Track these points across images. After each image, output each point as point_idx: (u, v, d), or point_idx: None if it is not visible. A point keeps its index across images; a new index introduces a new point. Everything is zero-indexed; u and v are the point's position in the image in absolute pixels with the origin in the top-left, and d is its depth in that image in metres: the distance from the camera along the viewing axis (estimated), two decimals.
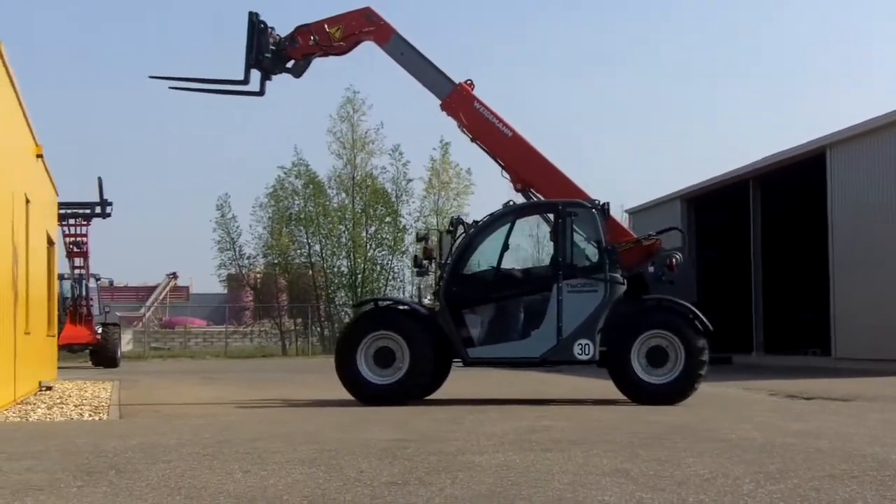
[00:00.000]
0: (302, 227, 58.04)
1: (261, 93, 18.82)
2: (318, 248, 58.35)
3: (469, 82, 18.07)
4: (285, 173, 57.92)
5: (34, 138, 19.10)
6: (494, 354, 16.74)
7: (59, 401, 17.59)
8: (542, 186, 17.71)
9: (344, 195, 57.91)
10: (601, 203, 16.87)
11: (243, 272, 61.23)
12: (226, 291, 66.69)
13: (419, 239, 18.99)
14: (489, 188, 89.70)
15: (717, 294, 38.35)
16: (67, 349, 36.66)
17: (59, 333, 31.12)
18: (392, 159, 57.92)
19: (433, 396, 16.93)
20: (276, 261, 60.12)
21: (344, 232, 58.08)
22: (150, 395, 19.67)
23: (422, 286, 18.37)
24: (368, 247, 57.94)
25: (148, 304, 69.12)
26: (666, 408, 15.07)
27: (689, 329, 16.10)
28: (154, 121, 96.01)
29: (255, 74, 18.66)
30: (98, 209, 36.23)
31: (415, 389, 16.35)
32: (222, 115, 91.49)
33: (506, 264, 16.79)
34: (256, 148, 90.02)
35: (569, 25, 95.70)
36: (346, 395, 16.31)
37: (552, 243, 16.87)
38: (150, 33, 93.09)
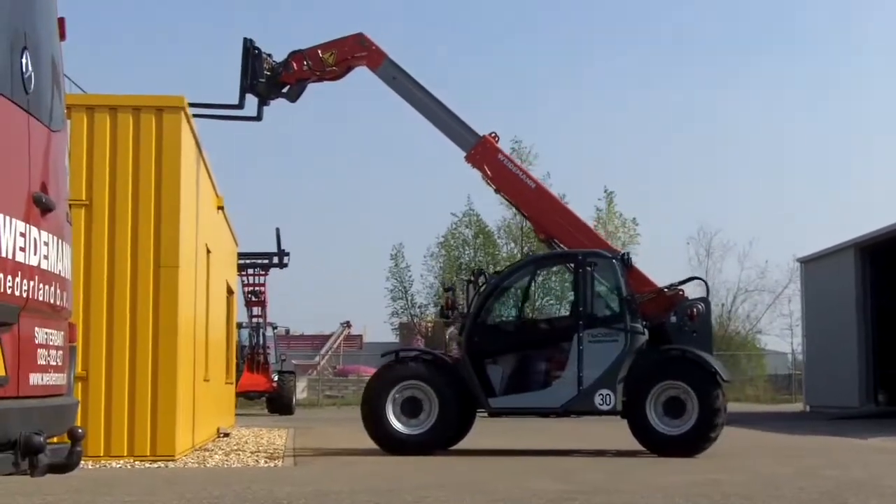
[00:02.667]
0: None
1: (258, 118, 19.17)
2: None
3: (494, 135, 18.19)
4: (456, 223, 58.41)
5: (215, 190, 19.73)
6: (516, 404, 16.76)
7: (236, 447, 18.01)
8: (565, 237, 17.80)
9: (513, 244, 58.09)
10: (622, 253, 17.01)
11: (415, 321, 61.77)
12: (398, 340, 67.31)
13: (445, 289, 19.17)
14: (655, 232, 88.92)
15: (895, 346, 37.39)
16: (245, 396, 37.42)
17: (237, 381, 31.86)
18: None
19: (465, 445, 17.02)
20: None
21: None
22: (323, 441, 19.99)
23: (448, 336, 18.43)
24: (536, 296, 57.94)
25: (322, 352, 70.02)
26: (837, 462, 14.79)
27: (704, 380, 16.00)
28: (330, 169, 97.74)
29: (252, 100, 19.03)
30: (276, 259, 37.17)
31: (443, 439, 16.48)
32: (396, 165, 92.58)
33: (527, 314, 16.84)
34: (431, 197, 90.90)
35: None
36: (521, 444, 16.41)
37: (573, 293, 16.94)
38: None
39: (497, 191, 18.31)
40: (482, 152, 18.12)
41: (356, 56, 18.66)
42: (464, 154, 18.19)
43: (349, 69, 18.87)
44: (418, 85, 18.53)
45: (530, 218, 18.37)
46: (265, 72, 18.86)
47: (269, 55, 18.95)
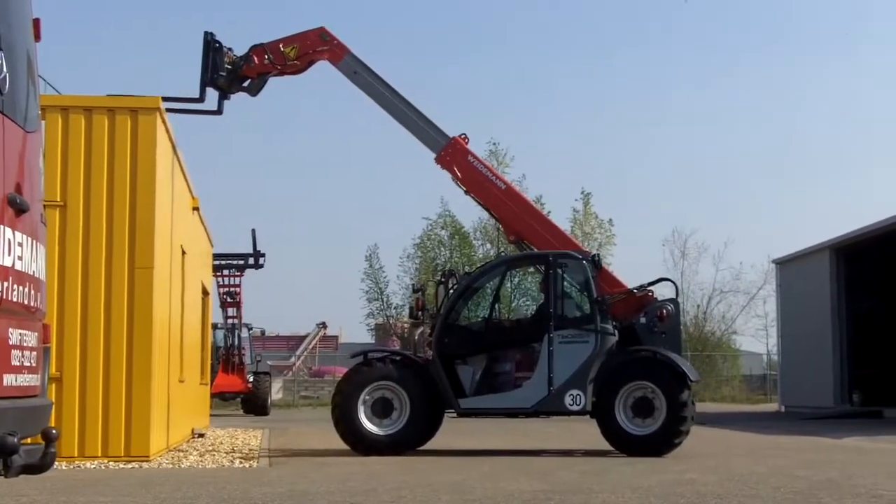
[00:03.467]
0: None
1: (219, 111, 19.10)
2: None
3: (464, 136, 18.24)
4: (431, 224, 58.46)
5: (191, 191, 19.69)
6: (486, 405, 16.82)
7: (210, 448, 17.99)
8: (534, 238, 17.87)
9: (489, 245, 58.14)
10: (592, 254, 17.07)
11: (390, 322, 61.77)
12: (374, 341, 67.33)
13: (415, 290, 19.22)
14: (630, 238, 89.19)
15: (869, 346, 37.58)
16: (220, 397, 37.38)
17: (212, 382, 31.80)
18: None
19: (431, 446, 17.04)
20: None
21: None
22: (298, 442, 19.99)
23: (417, 337, 18.44)
24: (513, 297, 58.01)
25: (298, 353, 69.96)
26: (812, 461, 14.86)
27: (672, 380, 16.09)
28: (306, 170, 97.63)
29: (214, 94, 18.96)
30: (251, 260, 37.11)
31: (414, 439, 16.55)
32: (371, 166, 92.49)
33: (498, 315, 16.90)
34: (407, 198, 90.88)
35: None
36: (500, 445, 16.41)
37: (543, 294, 17.01)
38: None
39: (467, 192, 18.31)
40: (452, 154, 18.13)
41: (318, 50, 18.61)
42: (434, 156, 18.20)
43: (311, 63, 18.82)
44: (383, 82, 18.50)
45: (500, 219, 18.40)
46: (226, 65, 18.78)
47: (230, 49, 18.87)
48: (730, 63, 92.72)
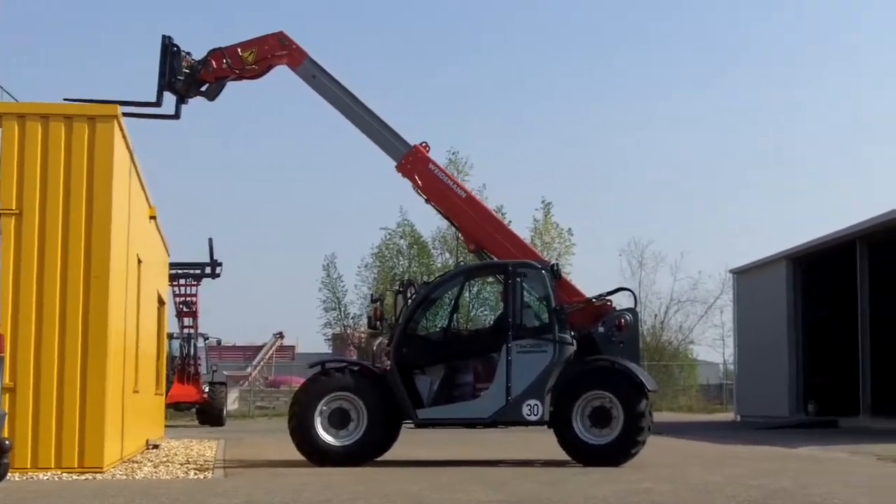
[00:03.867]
0: None
1: (176, 116, 18.98)
2: None
3: (425, 145, 18.26)
4: (390, 234, 58.41)
5: (148, 200, 19.58)
6: (444, 415, 16.80)
7: (165, 459, 17.89)
8: (494, 247, 17.93)
9: (448, 255, 58.14)
10: (551, 264, 17.12)
11: (348, 332, 61.66)
12: (331, 351, 67.19)
13: (373, 300, 19.19)
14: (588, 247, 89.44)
15: (825, 356, 37.84)
16: (175, 407, 37.17)
17: (167, 392, 31.63)
18: None
19: (388, 457, 17.04)
20: None
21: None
22: (254, 453, 19.91)
23: (375, 347, 18.38)
24: (471, 306, 58.07)
25: (254, 363, 69.73)
26: (766, 471, 14.94)
27: (629, 390, 16.14)
28: (263, 178, 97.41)
29: (171, 99, 18.83)
30: (208, 269, 36.96)
31: (370, 450, 16.51)
32: (328, 175, 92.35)
33: (456, 325, 16.89)
34: (364, 207, 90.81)
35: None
36: (457, 455, 16.38)
37: (502, 304, 17.04)
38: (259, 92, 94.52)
39: (427, 201, 18.30)
40: (413, 162, 18.10)
41: (276, 55, 18.54)
42: (394, 164, 18.18)
43: (269, 68, 18.75)
44: (343, 88, 18.41)
45: (460, 228, 18.38)
46: (184, 69, 18.68)
47: (189, 53, 18.77)
48: (686, 74, 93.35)
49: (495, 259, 17.75)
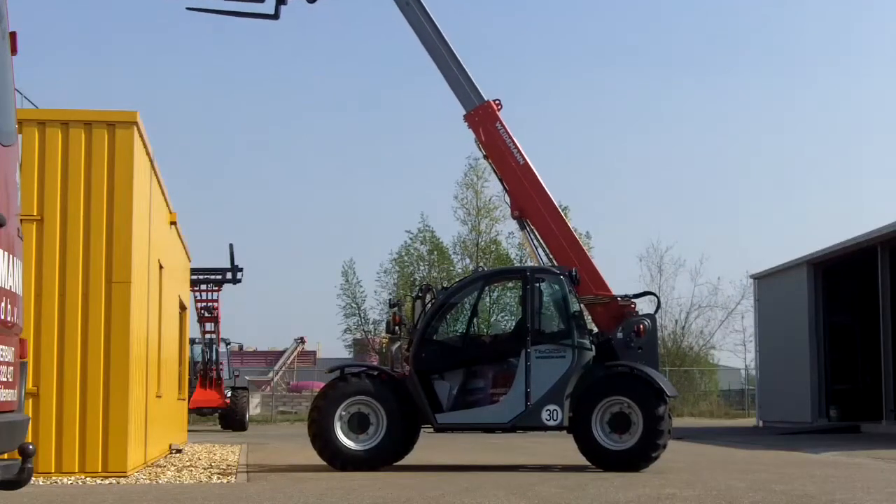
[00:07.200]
0: None
1: (275, 16, 18.84)
2: None
3: (497, 102, 18.30)
4: (411, 239, 58.44)
5: (168, 205, 19.64)
6: (463, 420, 16.79)
7: (188, 463, 17.91)
8: (536, 218, 18.11)
9: (468, 261, 58.13)
10: (570, 270, 17.04)
11: (368, 337, 61.67)
12: (352, 356, 67.30)
13: (391, 305, 19.17)
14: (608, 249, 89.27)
15: (847, 361, 37.71)
16: (197, 412, 37.28)
17: (190, 397, 31.70)
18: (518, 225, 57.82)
19: (408, 461, 17.02)
20: None
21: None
22: (276, 458, 19.93)
23: (393, 352, 18.37)
24: (491, 312, 58.01)
25: (276, 368, 69.91)
26: (789, 476, 14.88)
27: (648, 395, 16.08)
28: (284, 184, 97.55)
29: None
30: (229, 275, 37.07)
31: (390, 454, 16.51)
32: (351, 180, 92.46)
33: (475, 330, 16.91)
34: (385, 213, 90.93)
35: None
36: (477, 459, 16.36)
37: (521, 309, 17.02)
38: (276, 101, 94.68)
39: (486, 157, 18.44)
40: (483, 116, 18.20)
41: None
42: (463, 112, 18.22)
43: None
44: (433, 23, 18.38)
45: (509, 192, 18.39)
46: None
47: None
48: (709, 78, 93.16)
49: (533, 232, 17.64)
